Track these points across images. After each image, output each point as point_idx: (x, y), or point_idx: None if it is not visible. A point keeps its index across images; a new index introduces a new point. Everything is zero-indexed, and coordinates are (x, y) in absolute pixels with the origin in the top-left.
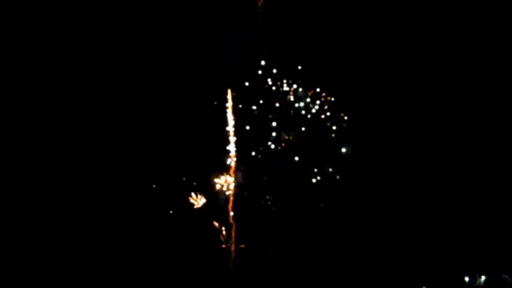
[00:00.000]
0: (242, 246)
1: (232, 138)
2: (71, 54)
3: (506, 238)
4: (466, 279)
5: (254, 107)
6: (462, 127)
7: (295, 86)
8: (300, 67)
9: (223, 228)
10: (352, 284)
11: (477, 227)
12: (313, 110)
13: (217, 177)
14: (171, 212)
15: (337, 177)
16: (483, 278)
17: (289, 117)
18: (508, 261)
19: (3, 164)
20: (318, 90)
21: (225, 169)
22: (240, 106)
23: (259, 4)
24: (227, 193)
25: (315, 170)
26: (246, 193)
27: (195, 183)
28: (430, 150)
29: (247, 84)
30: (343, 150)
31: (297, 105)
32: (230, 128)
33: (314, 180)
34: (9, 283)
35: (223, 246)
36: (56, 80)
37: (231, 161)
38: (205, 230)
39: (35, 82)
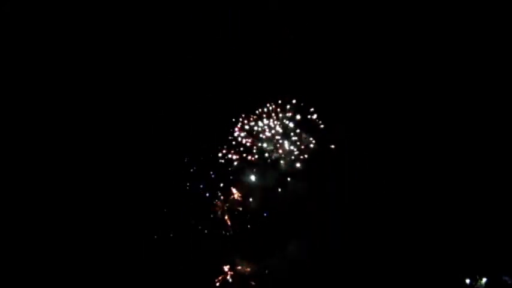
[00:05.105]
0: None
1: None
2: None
3: (506, 240)
4: (467, 281)
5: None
6: (462, 128)
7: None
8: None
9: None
10: (353, 284)
11: (477, 229)
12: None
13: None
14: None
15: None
16: (484, 279)
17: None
18: (508, 263)
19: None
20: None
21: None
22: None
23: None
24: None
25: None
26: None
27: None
28: (431, 152)
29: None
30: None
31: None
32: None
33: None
34: (9, 283)
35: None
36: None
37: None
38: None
39: (36, 82)
